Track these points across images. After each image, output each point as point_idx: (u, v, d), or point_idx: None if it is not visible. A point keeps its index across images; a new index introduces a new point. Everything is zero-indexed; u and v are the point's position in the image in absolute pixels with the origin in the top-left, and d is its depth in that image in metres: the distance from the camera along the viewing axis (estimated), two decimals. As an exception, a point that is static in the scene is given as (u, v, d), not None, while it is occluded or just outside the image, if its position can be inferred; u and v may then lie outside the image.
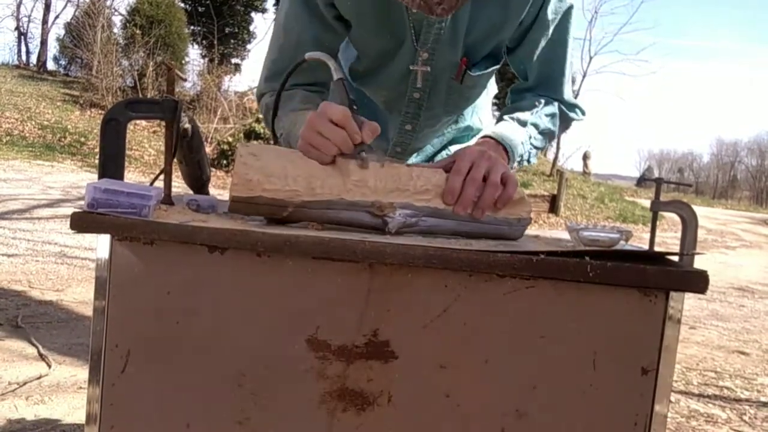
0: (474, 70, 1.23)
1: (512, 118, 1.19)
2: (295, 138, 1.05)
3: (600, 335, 0.79)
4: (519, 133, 1.17)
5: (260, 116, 12.42)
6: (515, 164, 1.17)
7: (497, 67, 1.28)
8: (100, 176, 0.92)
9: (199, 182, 1.14)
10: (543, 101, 1.23)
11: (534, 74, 1.25)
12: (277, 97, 1.11)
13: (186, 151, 1.06)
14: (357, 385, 0.82)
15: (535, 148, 1.22)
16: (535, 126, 1.21)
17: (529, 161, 1.22)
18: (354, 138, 0.91)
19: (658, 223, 0.92)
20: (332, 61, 1.02)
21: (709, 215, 17.08)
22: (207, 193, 1.15)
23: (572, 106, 1.28)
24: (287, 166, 0.87)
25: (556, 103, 1.25)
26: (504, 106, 1.29)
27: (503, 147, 1.12)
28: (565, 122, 1.28)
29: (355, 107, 0.95)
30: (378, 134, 0.94)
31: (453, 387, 0.81)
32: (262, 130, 11.63)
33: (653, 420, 0.79)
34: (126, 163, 0.94)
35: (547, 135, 1.24)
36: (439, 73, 1.23)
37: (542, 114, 1.22)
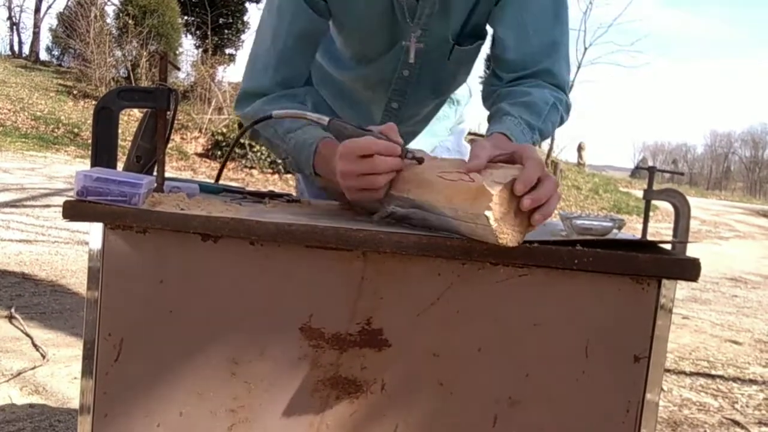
0: (462, 45, 1.23)
1: (522, 119, 1.07)
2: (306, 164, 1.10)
3: (592, 323, 0.79)
4: (527, 138, 1.07)
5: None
6: None
7: (482, 42, 1.26)
8: (93, 165, 0.91)
9: (141, 164, 1.09)
10: (551, 101, 1.13)
11: (522, 47, 1.15)
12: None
13: (151, 135, 1.03)
14: (350, 373, 0.82)
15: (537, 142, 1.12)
16: (541, 133, 1.11)
17: None
18: (394, 152, 0.88)
19: (652, 213, 0.92)
20: (308, 112, 1.00)
21: (702, 206, 17.14)
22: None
23: (568, 108, 1.19)
24: None
25: (560, 110, 1.16)
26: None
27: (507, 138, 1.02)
28: (560, 125, 1.19)
29: (365, 128, 0.92)
30: (395, 130, 0.91)
31: (446, 375, 0.81)
32: (256, 121, 11.60)
33: (645, 408, 0.80)
34: (120, 154, 0.94)
35: (546, 134, 1.14)
36: (431, 50, 1.22)
37: (549, 120, 1.12)
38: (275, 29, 1.19)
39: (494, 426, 0.81)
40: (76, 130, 12.02)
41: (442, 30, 1.19)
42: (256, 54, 1.22)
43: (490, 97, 1.21)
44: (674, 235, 0.83)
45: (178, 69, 15.56)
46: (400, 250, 0.79)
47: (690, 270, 0.78)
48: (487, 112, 1.19)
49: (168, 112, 0.94)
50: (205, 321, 0.83)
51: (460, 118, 1.53)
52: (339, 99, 1.40)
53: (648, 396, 0.80)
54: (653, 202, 0.90)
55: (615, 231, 0.88)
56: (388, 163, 0.87)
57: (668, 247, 0.86)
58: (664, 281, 0.78)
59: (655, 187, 0.89)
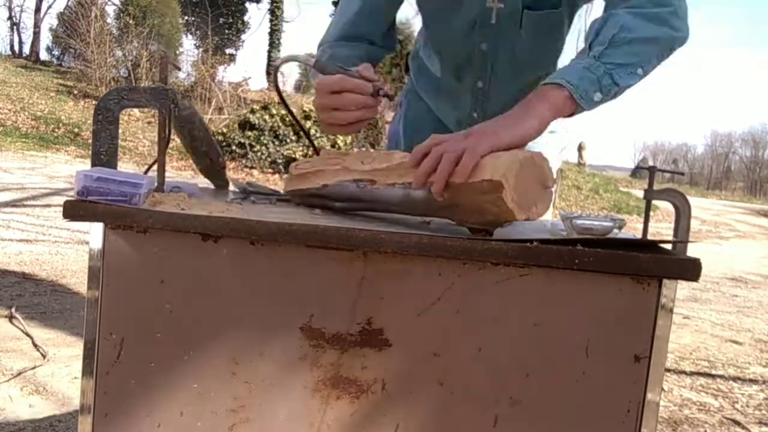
0: (533, 9, 1.20)
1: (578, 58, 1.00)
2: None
3: (593, 323, 0.79)
4: (580, 62, 0.97)
5: (255, 107, 12.43)
6: (596, 95, 0.96)
7: (556, 12, 1.23)
8: (93, 165, 0.91)
9: (210, 171, 1.13)
10: (609, 15, 1.01)
11: None
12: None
13: (189, 141, 1.06)
14: (351, 373, 0.82)
15: (618, 65, 0.97)
16: (602, 43, 0.98)
17: (617, 84, 0.98)
18: (364, 90, 0.94)
19: (652, 213, 0.92)
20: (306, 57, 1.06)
21: (703, 206, 17.12)
22: (225, 181, 1.18)
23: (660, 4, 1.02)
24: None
25: (622, 13, 1.00)
26: None
27: (557, 85, 0.94)
28: (655, 22, 1.01)
29: (346, 68, 0.98)
30: (371, 70, 0.96)
31: (446, 375, 0.81)
32: (256, 121, 11.60)
33: (645, 408, 0.80)
34: (120, 154, 0.95)
35: (633, 43, 0.98)
36: (504, 18, 1.21)
37: (609, 26, 0.99)
38: None
39: (495, 426, 0.81)
40: (76, 130, 12.01)
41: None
42: (333, 17, 1.29)
43: None
44: (675, 235, 0.83)
45: (179, 69, 15.58)
46: (401, 250, 0.79)
47: (690, 270, 0.78)
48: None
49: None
50: (206, 321, 0.83)
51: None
52: (433, 92, 1.44)
53: (648, 396, 0.80)
54: (654, 202, 0.89)
55: (615, 231, 0.88)
56: (358, 100, 0.94)
57: (669, 246, 0.86)
58: (665, 281, 0.78)
59: (656, 186, 0.88)
